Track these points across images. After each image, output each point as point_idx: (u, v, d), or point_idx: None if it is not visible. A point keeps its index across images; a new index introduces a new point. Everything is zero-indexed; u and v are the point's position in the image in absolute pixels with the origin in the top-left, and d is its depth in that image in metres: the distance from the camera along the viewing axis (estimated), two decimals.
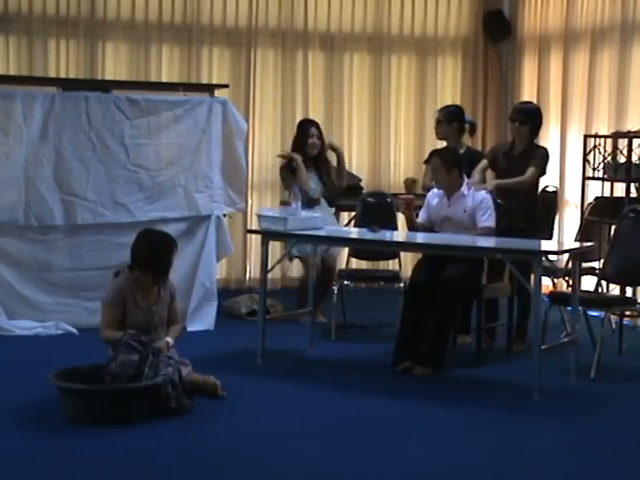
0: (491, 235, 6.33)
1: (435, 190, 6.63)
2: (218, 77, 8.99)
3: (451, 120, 7.20)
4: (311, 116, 9.24)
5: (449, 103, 8.18)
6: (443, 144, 7.18)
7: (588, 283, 7.12)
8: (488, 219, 6.39)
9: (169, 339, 5.41)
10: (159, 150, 7.30)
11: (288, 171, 7.46)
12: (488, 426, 5.12)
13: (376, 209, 7.68)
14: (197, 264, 7.35)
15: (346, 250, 7.92)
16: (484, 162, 6.80)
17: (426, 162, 7.41)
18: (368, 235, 6.51)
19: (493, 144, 8.82)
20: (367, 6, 9.39)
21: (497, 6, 9.61)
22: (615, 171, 7.38)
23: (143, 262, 5.42)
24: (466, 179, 6.56)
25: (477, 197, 6.42)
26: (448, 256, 6.21)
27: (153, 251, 5.40)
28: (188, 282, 7.25)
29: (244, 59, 9.12)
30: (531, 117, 6.69)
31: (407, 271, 7.68)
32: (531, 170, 6.54)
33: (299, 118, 9.19)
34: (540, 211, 6.83)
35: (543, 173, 6.69)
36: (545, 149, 6.82)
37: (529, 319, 6.57)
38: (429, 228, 6.57)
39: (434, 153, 6.80)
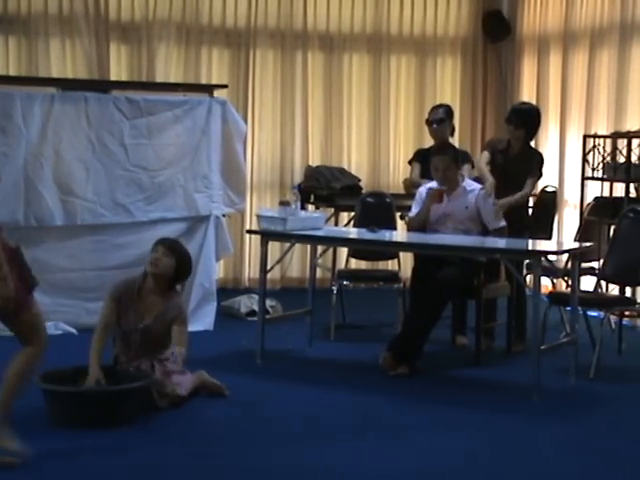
0: (505, 234, 6.34)
1: (428, 186, 6.57)
2: (217, 77, 8.99)
3: (451, 117, 7.22)
4: (310, 116, 9.28)
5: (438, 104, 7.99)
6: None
7: (587, 283, 7.12)
8: (499, 219, 6.40)
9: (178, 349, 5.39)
10: (158, 150, 7.29)
11: None
12: (487, 426, 5.13)
13: (375, 209, 7.66)
14: (196, 264, 7.32)
15: (345, 250, 7.92)
16: (486, 154, 6.74)
17: (411, 161, 7.40)
18: (367, 235, 6.51)
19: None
20: (366, 6, 9.38)
21: (496, 6, 9.61)
22: (614, 171, 7.38)
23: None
24: (466, 176, 6.57)
25: (480, 195, 6.40)
26: (443, 257, 6.20)
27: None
28: (187, 282, 7.21)
29: (243, 59, 9.12)
30: (526, 121, 6.68)
31: (406, 271, 7.67)
32: (529, 182, 6.63)
33: (298, 118, 9.25)
34: (528, 211, 6.90)
35: (540, 177, 6.77)
36: (540, 154, 6.84)
37: (526, 319, 6.57)
38: (422, 225, 6.54)
39: (421, 152, 6.76)
